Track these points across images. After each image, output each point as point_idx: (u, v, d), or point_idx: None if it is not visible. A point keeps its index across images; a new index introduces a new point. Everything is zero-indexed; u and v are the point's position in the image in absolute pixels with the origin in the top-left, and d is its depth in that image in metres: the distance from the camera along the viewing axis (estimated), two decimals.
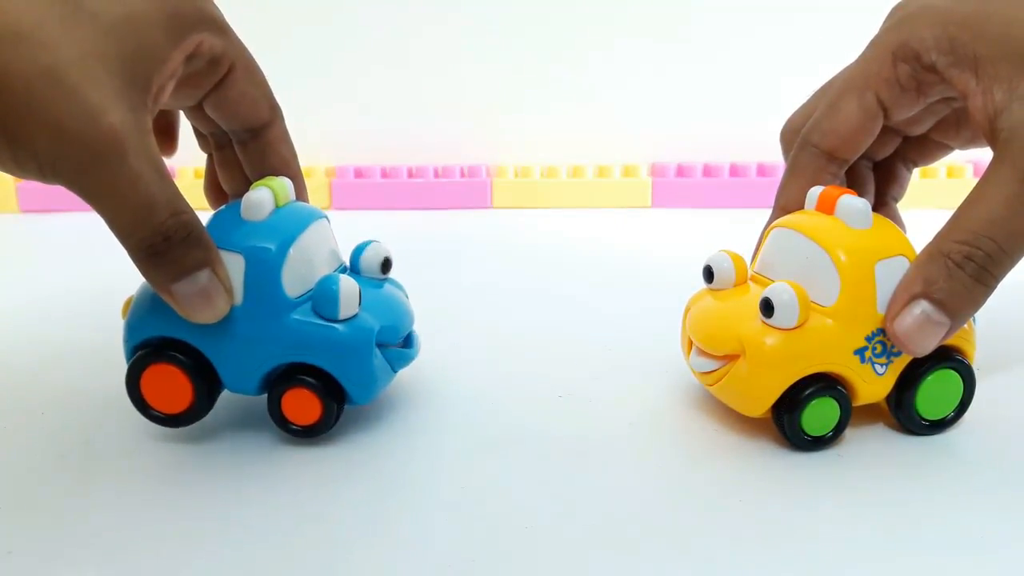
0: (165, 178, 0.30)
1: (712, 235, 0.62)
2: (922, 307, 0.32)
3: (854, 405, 0.34)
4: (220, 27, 0.34)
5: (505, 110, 0.76)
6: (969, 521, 0.29)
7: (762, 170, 0.72)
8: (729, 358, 0.34)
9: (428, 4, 0.75)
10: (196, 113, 0.37)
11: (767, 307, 0.32)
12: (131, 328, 0.33)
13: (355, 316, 0.33)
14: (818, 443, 0.33)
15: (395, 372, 0.36)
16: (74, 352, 0.43)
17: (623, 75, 0.76)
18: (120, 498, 0.31)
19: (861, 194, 0.40)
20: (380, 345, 0.34)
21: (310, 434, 0.34)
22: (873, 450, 0.34)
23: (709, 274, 0.36)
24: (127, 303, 0.34)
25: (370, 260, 0.37)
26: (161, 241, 0.30)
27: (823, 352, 0.32)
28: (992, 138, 0.32)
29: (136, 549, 0.28)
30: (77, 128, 0.28)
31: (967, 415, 0.35)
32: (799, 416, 0.33)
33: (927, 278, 0.32)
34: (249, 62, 0.35)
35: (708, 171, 0.73)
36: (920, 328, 0.32)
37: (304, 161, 0.75)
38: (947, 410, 0.34)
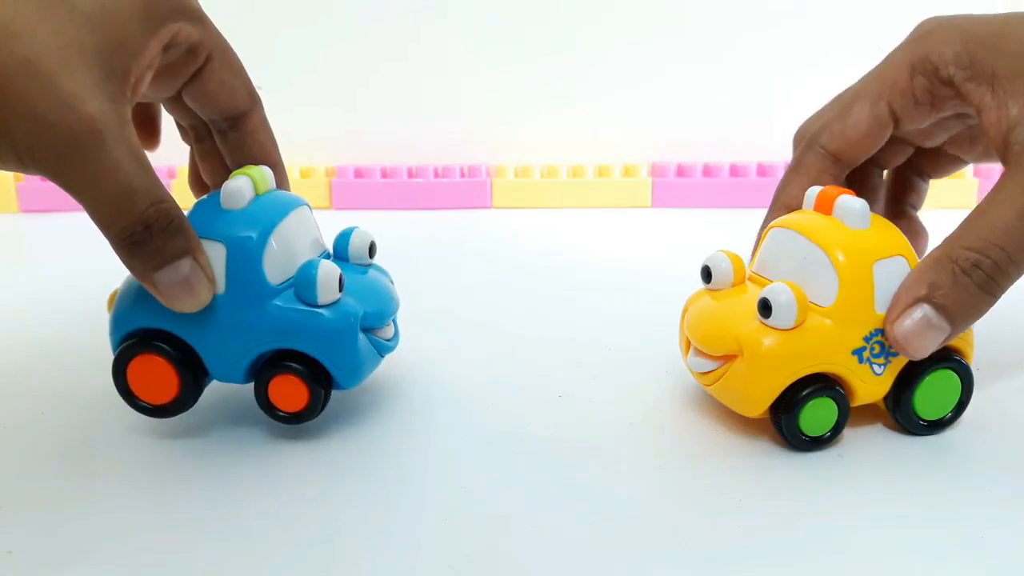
0: (145, 167, 0.30)
1: (712, 235, 0.62)
2: (924, 311, 0.32)
3: (852, 405, 0.33)
4: (197, 16, 0.34)
5: (505, 110, 0.76)
6: (969, 521, 0.29)
7: (762, 170, 0.72)
8: (727, 358, 0.34)
9: (429, 4, 0.75)
10: (176, 104, 0.37)
11: (765, 307, 0.32)
12: (117, 320, 0.33)
13: (339, 301, 0.33)
14: (816, 443, 0.33)
15: (381, 356, 0.36)
16: (74, 352, 0.43)
17: (623, 75, 0.75)
18: (120, 497, 0.31)
19: (872, 201, 0.40)
20: (365, 330, 0.34)
21: (298, 420, 0.34)
22: (873, 450, 0.34)
23: (707, 274, 0.36)
24: (112, 296, 0.34)
25: (354, 246, 0.37)
26: (142, 230, 0.30)
27: (821, 352, 0.32)
28: (1005, 152, 0.32)
29: (136, 548, 0.28)
30: (55, 118, 0.28)
31: (968, 415, 0.35)
32: (797, 416, 0.32)
33: (932, 282, 0.32)
34: (227, 51, 0.35)
35: (708, 171, 0.73)
36: (920, 332, 0.32)
37: (304, 161, 0.75)
38: (945, 410, 0.34)
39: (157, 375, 0.33)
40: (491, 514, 0.30)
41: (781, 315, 0.32)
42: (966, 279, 0.31)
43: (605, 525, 0.29)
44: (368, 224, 0.67)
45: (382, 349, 0.35)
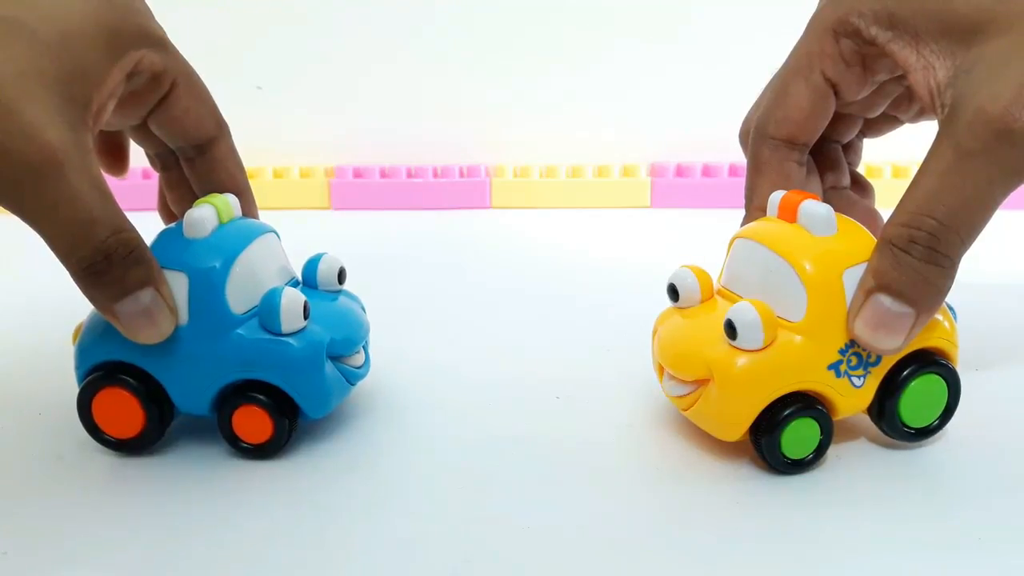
0: (106, 196, 0.30)
1: (711, 235, 0.62)
2: (879, 300, 0.30)
3: (834, 420, 0.32)
4: (160, 43, 0.33)
5: (504, 110, 0.76)
6: (967, 527, 0.29)
7: None
8: (700, 382, 0.32)
9: (428, 4, 0.75)
10: (142, 132, 0.36)
11: (730, 329, 0.31)
12: (82, 352, 0.33)
13: (304, 329, 0.33)
14: (799, 466, 0.32)
15: (351, 385, 0.35)
16: (72, 353, 0.43)
17: (622, 75, 0.75)
18: (117, 499, 0.32)
19: (837, 176, 0.39)
20: (333, 357, 0.34)
21: (262, 453, 0.33)
22: (873, 454, 0.33)
23: (674, 293, 0.34)
24: (77, 329, 0.34)
25: (323, 272, 0.36)
26: (102, 260, 0.30)
27: (795, 371, 0.31)
28: (935, 114, 0.31)
29: (134, 549, 0.29)
30: (14, 146, 0.28)
31: (968, 421, 0.34)
32: (778, 439, 0.31)
33: (877, 269, 0.30)
34: (192, 78, 0.35)
35: (707, 171, 0.72)
36: (882, 323, 0.30)
37: (303, 161, 0.75)
38: (932, 417, 0.33)
39: (122, 409, 0.33)
40: (489, 515, 0.30)
41: (746, 336, 0.30)
42: (907, 257, 0.30)
43: (603, 526, 0.30)
44: (367, 224, 0.68)
45: (351, 377, 0.35)
